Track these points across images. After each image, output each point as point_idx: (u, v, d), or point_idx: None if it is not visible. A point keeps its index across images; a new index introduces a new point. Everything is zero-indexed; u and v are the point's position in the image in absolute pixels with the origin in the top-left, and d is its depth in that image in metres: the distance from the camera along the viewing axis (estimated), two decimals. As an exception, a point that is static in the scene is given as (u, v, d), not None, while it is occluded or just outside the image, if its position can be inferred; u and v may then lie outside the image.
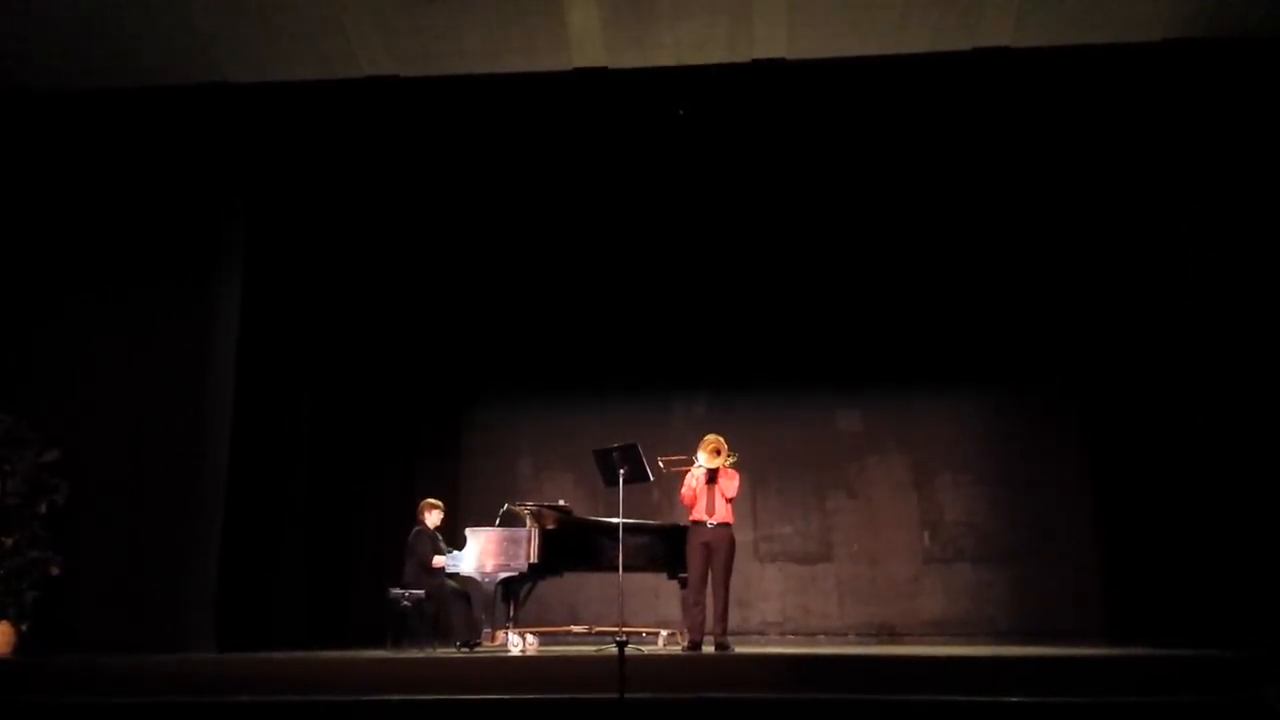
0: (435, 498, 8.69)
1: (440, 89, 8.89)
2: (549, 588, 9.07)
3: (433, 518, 8.44)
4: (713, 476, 7.51)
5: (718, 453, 7.48)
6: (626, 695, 5.20)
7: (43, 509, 8.20)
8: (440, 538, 8.45)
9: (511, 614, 8.10)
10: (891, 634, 10.35)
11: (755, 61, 8.56)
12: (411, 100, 9.01)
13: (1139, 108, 8.87)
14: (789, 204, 10.28)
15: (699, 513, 7.55)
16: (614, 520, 7.50)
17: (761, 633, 10.50)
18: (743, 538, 9.72)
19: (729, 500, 7.53)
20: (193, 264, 8.93)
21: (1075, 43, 8.30)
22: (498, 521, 8.04)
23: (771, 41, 8.40)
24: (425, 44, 8.45)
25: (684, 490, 7.61)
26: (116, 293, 8.90)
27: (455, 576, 8.14)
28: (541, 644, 8.07)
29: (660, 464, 7.72)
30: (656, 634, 8.53)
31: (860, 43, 8.39)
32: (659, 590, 9.77)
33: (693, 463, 7.55)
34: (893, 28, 8.26)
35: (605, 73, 8.68)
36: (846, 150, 9.59)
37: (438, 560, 8.14)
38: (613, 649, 5.46)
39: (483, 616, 7.89)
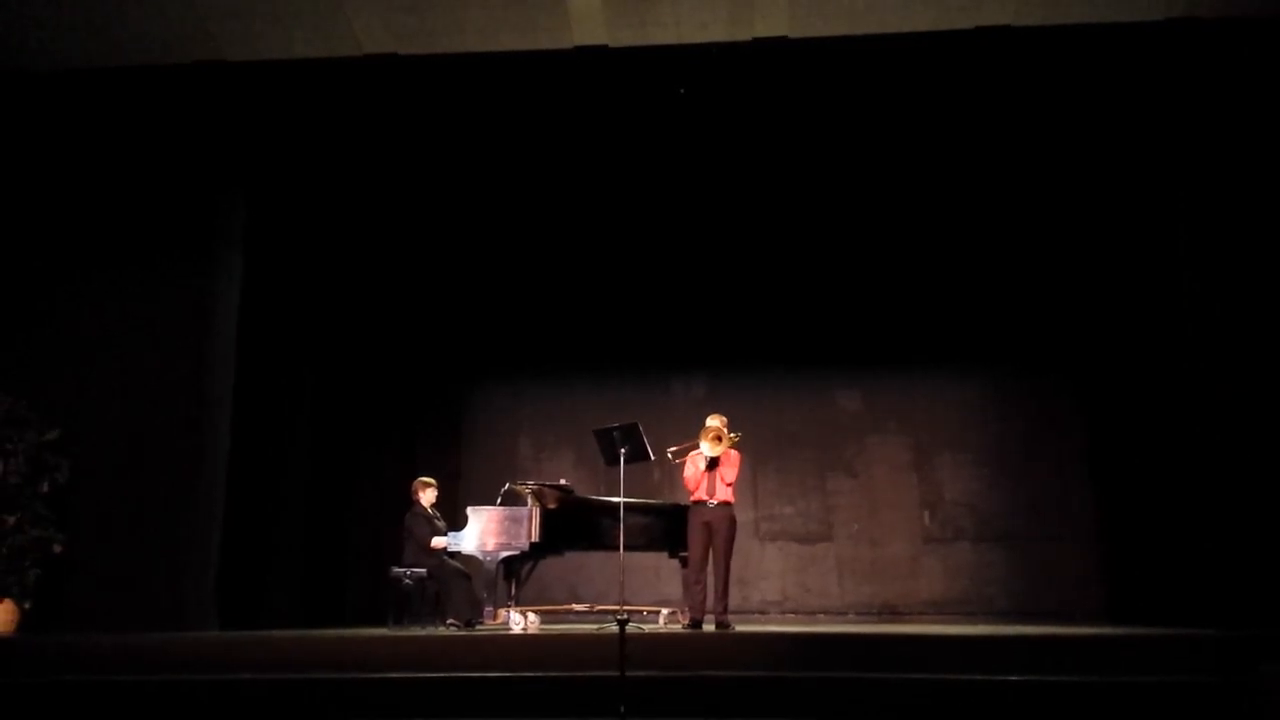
0: (435, 477, 8.71)
1: (439, 67, 8.84)
2: (550, 567, 9.11)
3: (427, 496, 8.44)
4: (714, 462, 7.53)
5: (719, 439, 7.50)
6: (627, 673, 5.22)
7: (44, 488, 8.21)
8: (437, 515, 8.46)
9: (513, 593, 8.15)
10: (891, 613, 10.39)
11: (756, 40, 8.53)
12: (410, 79, 8.96)
13: (1141, 88, 8.83)
14: (790, 184, 10.24)
15: (700, 493, 7.58)
16: (615, 499, 7.51)
17: (762, 612, 10.55)
18: (743, 517, 9.74)
19: (729, 484, 7.57)
20: (193, 243, 8.90)
21: (1077, 21, 8.26)
22: (499, 501, 8.06)
23: (773, 20, 8.36)
24: (424, 21, 8.40)
25: (686, 476, 7.65)
26: (117, 272, 8.88)
27: (457, 555, 8.16)
28: (543, 622, 8.11)
29: (669, 455, 7.74)
30: (657, 613, 8.57)
31: (862, 21, 8.35)
32: (660, 569, 9.79)
33: (697, 446, 7.57)
34: (895, 6, 8.21)
35: (605, 51, 8.63)
36: (848, 130, 9.55)
37: (437, 541, 8.14)
38: (614, 627, 5.47)
39: (484, 595, 7.91)
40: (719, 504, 7.54)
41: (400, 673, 6.03)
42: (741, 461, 7.73)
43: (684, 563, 8.00)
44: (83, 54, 8.69)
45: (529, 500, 7.91)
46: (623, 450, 7.40)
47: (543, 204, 10.57)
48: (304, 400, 9.91)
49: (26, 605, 8.05)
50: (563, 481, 8.45)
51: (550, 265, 11.03)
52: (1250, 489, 7.80)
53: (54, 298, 8.86)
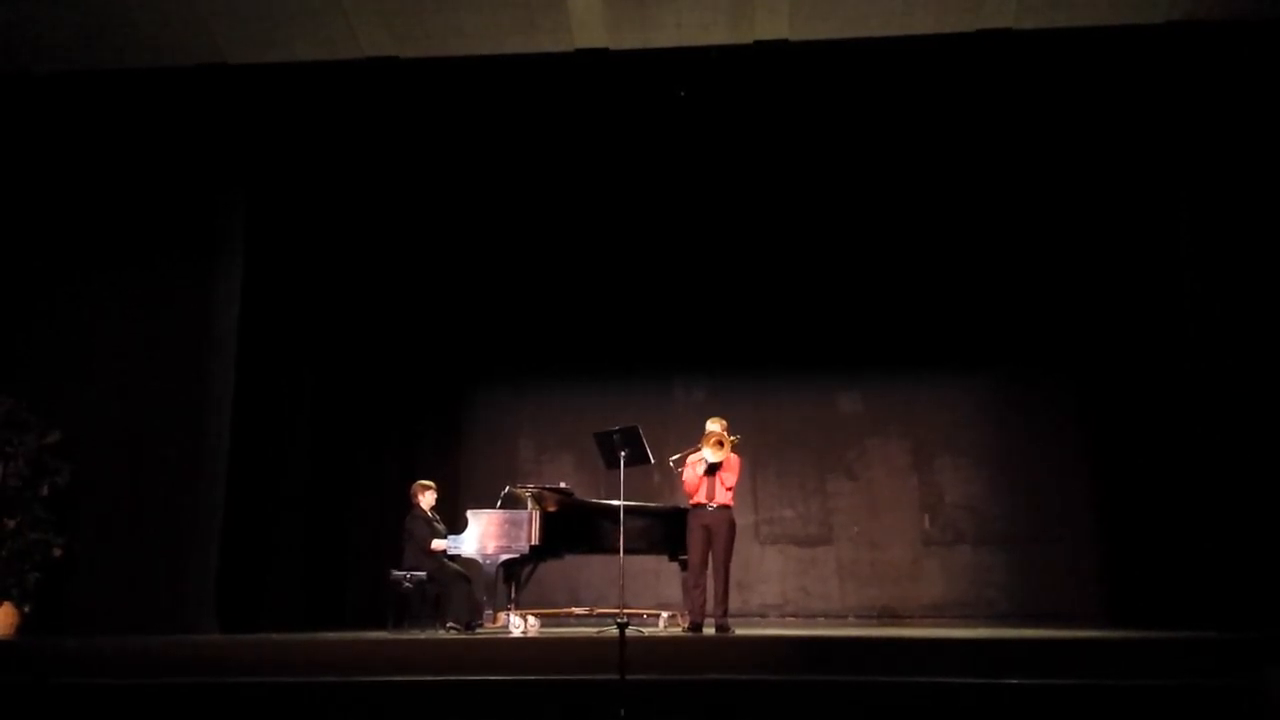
0: (434, 479, 8.71)
1: (441, 70, 8.86)
2: (550, 570, 9.11)
3: (426, 499, 8.44)
4: (714, 467, 7.53)
5: (721, 445, 7.50)
6: (627, 676, 5.22)
7: (45, 491, 8.21)
8: (437, 518, 8.46)
9: (513, 596, 8.15)
10: (891, 616, 10.37)
11: (757, 43, 8.53)
12: (411, 81, 8.97)
13: (1142, 90, 8.84)
14: (790, 187, 10.25)
15: (700, 496, 7.58)
16: (615, 503, 7.50)
17: (762, 615, 10.54)
18: (743, 520, 9.75)
19: (729, 488, 7.57)
20: (193, 245, 8.91)
21: (1078, 24, 8.27)
22: (499, 504, 8.06)
23: (774, 22, 8.37)
24: (425, 24, 8.42)
25: (686, 478, 7.65)
26: (117, 274, 8.90)
27: (457, 558, 8.16)
28: (543, 626, 8.09)
29: (671, 463, 7.73)
30: (657, 616, 8.55)
31: (863, 24, 8.36)
32: (660, 572, 9.79)
33: (697, 451, 7.58)
34: (896, 9, 8.23)
35: (606, 54, 8.64)
36: (849, 132, 9.56)
37: (437, 543, 8.14)
38: (614, 631, 5.47)
39: (484, 598, 7.91)
40: (718, 507, 7.54)
41: (400, 676, 6.02)
42: (741, 465, 7.74)
43: (684, 566, 7.98)
44: (85, 57, 8.71)
45: (529, 503, 7.91)
46: (623, 453, 7.39)
47: (544, 207, 10.57)
48: (304, 401, 9.91)
49: (26, 608, 8.06)
50: (563, 484, 8.44)
51: (551, 268, 11.03)
52: (1250, 489, 7.80)
53: (54, 299, 8.88)
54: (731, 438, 7.56)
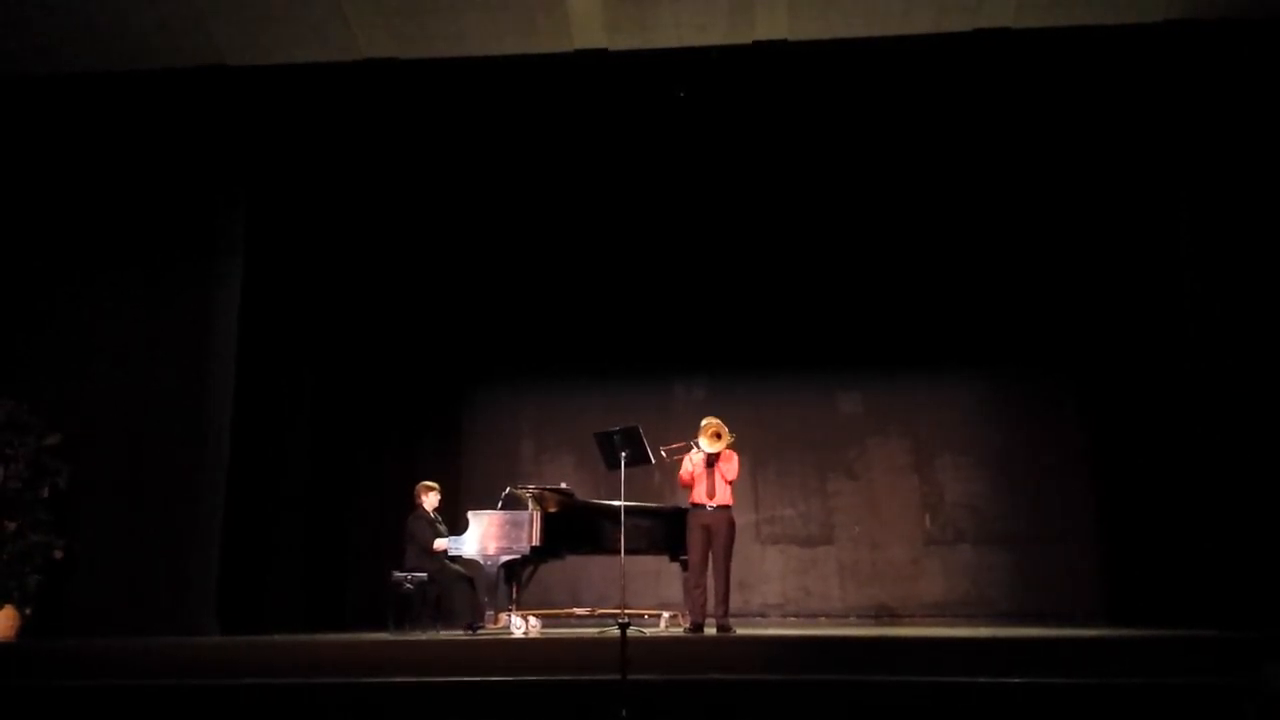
0: (435, 480, 8.72)
1: (440, 71, 8.86)
2: (551, 570, 9.11)
3: (429, 500, 8.45)
4: (712, 460, 7.52)
5: (718, 436, 7.50)
6: (628, 676, 5.22)
7: (45, 493, 8.21)
8: (439, 519, 8.46)
9: (514, 596, 8.16)
10: (892, 616, 10.38)
11: (756, 43, 8.53)
12: (411, 82, 8.98)
13: (1141, 89, 8.84)
14: (790, 187, 10.25)
15: (699, 495, 7.58)
16: (615, 503, 7.51)
17: (763, 615, 10.54)
18: (744, 520, 9.76)
19: (729, 483, 7.56)
20: (194, 247, 8.91)
21: (1076, 24, 8.27)
22: (500, 504, 8.06)
23: (773, 23, 8.37)
24: (424, 25, 8.42)
25: (682, 472, 7.64)
26: (117, 275, 8.90)
27: (458, 559, 8.16)
28: (544, 626, 8.11)
29: (663, 453, 7.71)
30: (658, 616, 8.56)
31: (862, 24, 8.36)
32: (660, 572, 9.79)
33: (691, 447, 7.57)
34: (895, 9, 8.23)
35: (605, 54, 8.64)
36: (848, 132, 9.56)
37: (439, 543, 8.15)
38: (615, 631, 5.47)
39: (485, 599, 7.91)
40: (718, 507, 7.54)
41: (402, 677, 6.02)
42: (741, 462, 7.73)
43: (685, 566, 7.99)
44: (84, 59, 8.70)
45: (530, 504, 7.91)
46: (623, 453, 7.39)
47: (543, 207, 10.57)
48: (304, 402, 9.91)
49: (27, 611, 8.04)
50: (563, 485, 8.45)
51: (551, 268, 11.04)
52: (1250, 489, 7.80)
53: (55, 301, 8.87)
54: (730, 435, 7.56)
